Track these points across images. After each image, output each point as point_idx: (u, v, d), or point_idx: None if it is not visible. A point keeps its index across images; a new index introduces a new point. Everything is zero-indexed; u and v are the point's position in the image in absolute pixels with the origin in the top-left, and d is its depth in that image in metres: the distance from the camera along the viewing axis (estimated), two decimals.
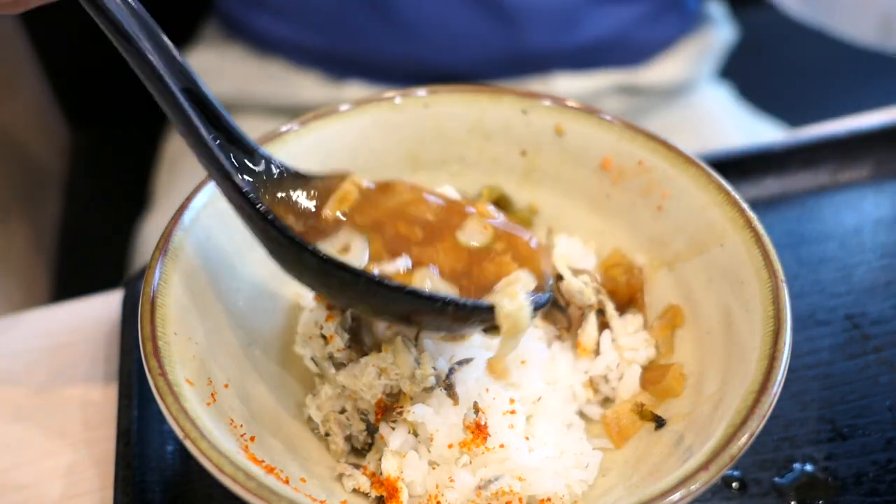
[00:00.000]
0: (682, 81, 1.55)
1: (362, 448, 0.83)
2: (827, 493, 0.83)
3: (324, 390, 0.83)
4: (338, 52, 1.45)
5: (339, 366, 0.83)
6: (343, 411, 0.82)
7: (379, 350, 0.82)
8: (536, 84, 1.46)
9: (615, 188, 0.93)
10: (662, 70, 1.53)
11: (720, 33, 1.60)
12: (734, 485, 0.84)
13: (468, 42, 1.42)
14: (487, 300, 0.76)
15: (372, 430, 0.82)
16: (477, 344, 0.83)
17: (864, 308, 0.99)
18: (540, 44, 1.43)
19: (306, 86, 1.47)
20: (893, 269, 1.03)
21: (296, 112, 1.42)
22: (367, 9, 1.39)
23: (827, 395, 0.92)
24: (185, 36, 1.62)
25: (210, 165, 0.73)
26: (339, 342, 0.82)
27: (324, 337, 0.83)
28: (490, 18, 1.40)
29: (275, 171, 0.79)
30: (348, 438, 0.82)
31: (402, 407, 0.79)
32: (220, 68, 1.52)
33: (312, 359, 0.84)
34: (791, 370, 0.73)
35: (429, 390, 0.80)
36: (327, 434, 0.82)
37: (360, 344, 0.84)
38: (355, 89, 1.44)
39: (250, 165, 0.77)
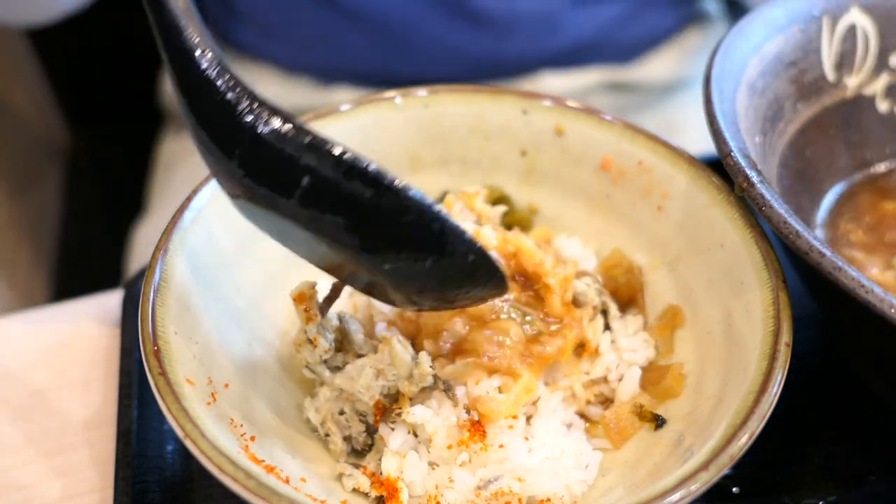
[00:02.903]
0: (678, 78, 1.55)
1: (362, 449, 0.83)
2: (827, 493, 0.83)
3: (322, 392, 0.83)
4: (324, 64, 1.46)
5: (334, 369, 0.83)
6: (342, 413, 0.82)
7: (374, 352, 0.82)
8: (524, 84, 1.47)
9: (615, 188, 0.93)
10: (654, 67, 1.53)
11: (718, 30, 1.60)
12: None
13: (452, 53, 1.43)
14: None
15: (371, 431, 0.82)
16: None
17: None
18: (522, 50, 1.45)
19: (295, 91, 1.48)
20: None
21: None
22: (350, 23, 1.40)
23: (827, 395, 0.92)
24: None
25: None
26: (323, 343, 0.80)
27: (310, 341, 0.81)
28: (472, 29, 1.42)
29: None
30: (347, 439, 0.82)
31: (400, 408, 0.79)
32: None
33: (307, 367, 0.82)
34: (791, 370, 0.73)
35: (427, 390, 0.80)
36: (327, 435, 0.82)
37: (349, 346, 0.82)
38: (343, 94, 1.45)
39: None
